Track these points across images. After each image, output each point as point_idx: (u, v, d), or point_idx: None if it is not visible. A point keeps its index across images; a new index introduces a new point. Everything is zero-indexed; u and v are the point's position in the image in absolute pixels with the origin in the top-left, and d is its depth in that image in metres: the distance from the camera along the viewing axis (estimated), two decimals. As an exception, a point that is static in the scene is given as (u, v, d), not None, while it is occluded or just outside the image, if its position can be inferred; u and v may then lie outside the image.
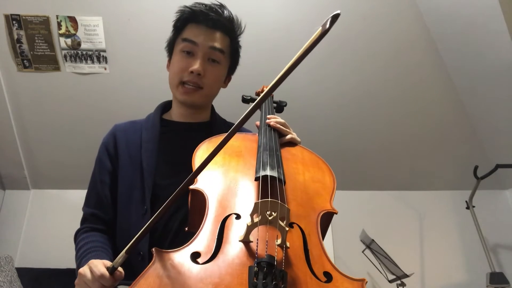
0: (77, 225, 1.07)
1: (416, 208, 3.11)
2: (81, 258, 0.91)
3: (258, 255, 0.63)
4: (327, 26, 0.49)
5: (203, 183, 0.74)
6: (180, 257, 0.64)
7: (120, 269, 0.74)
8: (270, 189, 0.76)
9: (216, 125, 1.19)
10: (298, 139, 1.06)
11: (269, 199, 0.69)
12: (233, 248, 0.66)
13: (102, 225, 1.04)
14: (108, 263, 0.77)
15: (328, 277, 0.65)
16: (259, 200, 0.69)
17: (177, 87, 1.10)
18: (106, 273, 0.73)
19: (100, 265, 0.75)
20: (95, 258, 0.82)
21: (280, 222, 0.65)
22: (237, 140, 0.98)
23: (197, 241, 0.68)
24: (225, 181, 0.83)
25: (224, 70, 1.15)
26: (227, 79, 1.22)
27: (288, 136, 1.04)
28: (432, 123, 2.90)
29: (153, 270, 0.61)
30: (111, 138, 1.13)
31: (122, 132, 1.14)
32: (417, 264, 2.91)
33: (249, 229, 0.66)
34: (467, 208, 2.73)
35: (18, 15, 2.44)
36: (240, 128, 0.62)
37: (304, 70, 2.62)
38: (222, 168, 0.86)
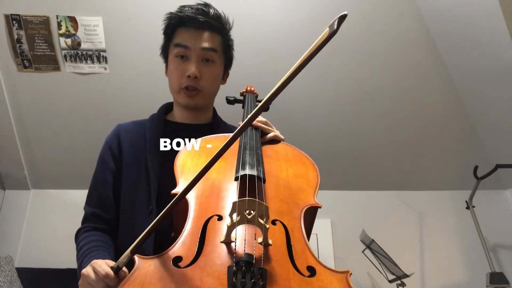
0: (78, 225, 1.07)
1: (416, 208, 3.11)
2: (83, 258, 0.91)
3: (236, 255, 0.63)
4: (335, 27, 0.48)
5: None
6: (162, 262, 0.64)
7: (124, 268, 0.73)
8: (250, 187, 0.76)
9: (218, 126, 1.20)
10: (282, 136, 1.06)
11: (247, 198, 0.69)
12: (215, 250, 0.66)
13: (103, 224, 1.04)
14: (111, 262, 0.76)
15: (312, 271, 0.65)
16: (237, 200, 0.69)
17: (178, 93, 1.12)
18: (111, 272, 0.73)
19: (104, 265, 0.75)
20: (96, 258, 0.82)
21: (260, 220, 0.65)
22: (219, 141, 0.98)
23: (179, 245, 0.68)
24: (207, 183, 0.83)
25: (220, 68, 1.16)
26: (225, 75, 1.23)
27: (271, 134, 1.04)
28: (432, 123, 2.89)
29: (136, 277, 0.61)
30: (114, 138, 1.13)
31: (126, 132, 1.15)
32: (417, 264, 2.90)
33: (229, 229, 0.66)
34: (467, 208, 2.72)
35: (18, 15, 2.44)
36: (238, 136, 0.63)
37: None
38: None
